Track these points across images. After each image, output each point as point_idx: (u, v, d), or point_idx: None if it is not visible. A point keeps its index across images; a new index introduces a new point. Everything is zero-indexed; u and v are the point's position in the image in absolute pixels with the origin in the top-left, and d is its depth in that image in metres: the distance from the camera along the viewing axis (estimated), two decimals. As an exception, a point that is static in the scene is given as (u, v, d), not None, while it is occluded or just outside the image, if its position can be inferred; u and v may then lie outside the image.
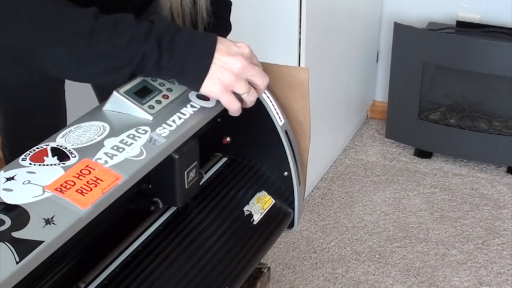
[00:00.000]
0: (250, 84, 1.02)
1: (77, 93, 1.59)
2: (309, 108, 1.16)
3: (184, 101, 1.01)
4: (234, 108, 1.02)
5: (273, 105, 1.11)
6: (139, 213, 1.02)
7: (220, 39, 1.00)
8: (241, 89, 1.01)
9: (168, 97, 1.00)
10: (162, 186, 1.00)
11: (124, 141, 0.91)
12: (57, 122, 1.46)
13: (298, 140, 1.16)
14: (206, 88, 0.99)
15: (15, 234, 0.74)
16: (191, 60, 0.97)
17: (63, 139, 0.90)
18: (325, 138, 2.44)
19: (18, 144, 1.46)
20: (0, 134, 1.50)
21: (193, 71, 0.98)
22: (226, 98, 1.00)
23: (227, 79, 0.98)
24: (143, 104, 0.97)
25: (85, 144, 0.89)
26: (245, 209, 1.11)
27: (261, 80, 1.03)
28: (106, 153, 0.88)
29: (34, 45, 0.93)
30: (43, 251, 0.74)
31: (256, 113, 1.09)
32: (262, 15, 2.06)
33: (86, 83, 1.20)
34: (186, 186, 1.00)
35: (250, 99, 1.03)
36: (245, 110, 1.04)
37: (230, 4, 1.29)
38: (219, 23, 1.25)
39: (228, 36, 1.22)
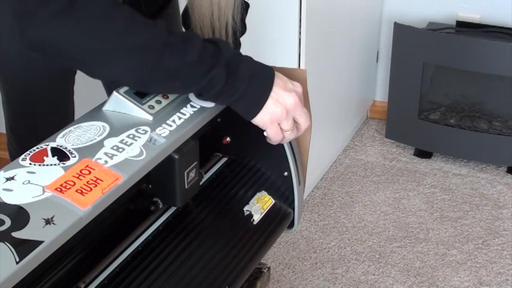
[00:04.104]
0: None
1: (86, 93, 1.57)
2: (309, 109, 1.16)
3: (184, 101, 1.01)
4: (276, 139, 1.04)
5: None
6: (139, 213, 1.02)
7: (277, 73, 1.01)
8: (288, 125, 1.03)
9: (168, 97, 1.00)
10: (162, 186, 1.00)
11: (124, 141, 0.91)
12: (65, 122, 1.45)
13: (298, 141, 1.16)
14: (258, 118, 1.01)
15: (15, 234, 0.74)
16: (251, 91, 0.98)
17: (63, 139, 0.90)
18: (325, 138, 2.44)
19: (24, 143, 1.46)
20: (6, 132, 1.50)
21: (251, 101, 0.99)
22: (274, 129, 1.02)
23: (279, 113, 1.00)
24: (143, 104, 0.97)
25: (85, 144, 0.89)
26: (245, 209, 1.11)
27: (305, 122, 1.05)
28: (106, 153, 0.88)
29: (104, 48, 0.90)
30: (43, 251, 0.74)
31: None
32: (262, 15, 2.06)
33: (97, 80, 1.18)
34: (186, 186, 1.00)
35: (290, 137, 1.05)
36: None
37: (248, 6, 1.30)
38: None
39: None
